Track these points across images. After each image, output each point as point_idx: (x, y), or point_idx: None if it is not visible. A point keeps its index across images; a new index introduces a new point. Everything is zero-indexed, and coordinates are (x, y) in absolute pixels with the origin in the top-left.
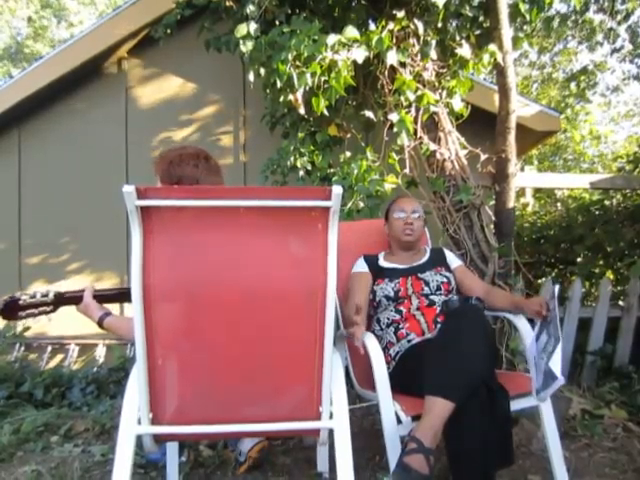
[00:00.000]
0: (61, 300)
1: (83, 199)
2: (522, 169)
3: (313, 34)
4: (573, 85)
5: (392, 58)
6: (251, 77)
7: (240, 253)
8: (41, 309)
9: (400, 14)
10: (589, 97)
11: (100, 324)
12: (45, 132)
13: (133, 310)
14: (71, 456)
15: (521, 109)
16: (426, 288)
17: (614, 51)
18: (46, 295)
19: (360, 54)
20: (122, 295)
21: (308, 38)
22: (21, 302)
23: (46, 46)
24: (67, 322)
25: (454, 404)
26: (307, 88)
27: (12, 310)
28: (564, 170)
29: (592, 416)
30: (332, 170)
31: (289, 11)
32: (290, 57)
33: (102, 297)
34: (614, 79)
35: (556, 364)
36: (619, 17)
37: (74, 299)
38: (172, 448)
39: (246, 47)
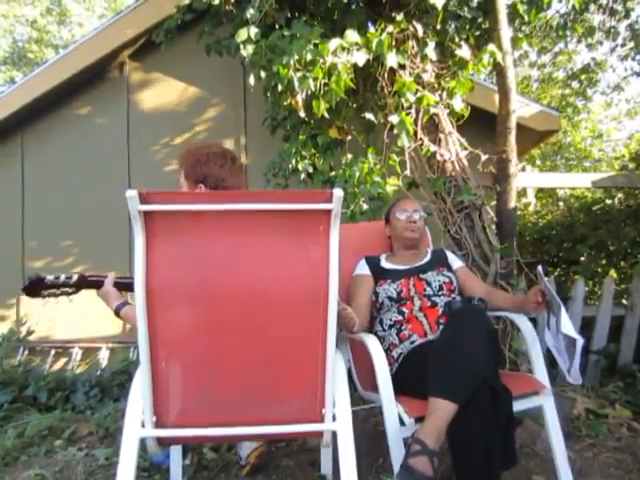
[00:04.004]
0: (84, 283)
1: (86, 202)
2: (524, 169)
3: (314, 38)
4: (575, 84)
5: (392, 60)
6: (251, 81)
7: (242, 256)
8: (63, 289)
9: (399, 17)
10: (590, 95)
11: (117, 313)
12: (48, 136)
13: (137, 314)
14: (75, 460)
15: (521, 109)
16: (428, 289)
17: (614, 49)
18: (70, 277)
19: (361, 57)
20: None
21: (309, 42)
22: (46, 281)
23: (50, 52)
24: (71, 326)
25: (457, 405)
26: (308, 92)
27: (36, 288)
28: (566, 169)
29: (596, 416)
30: (334, 173)
31: (289, 15)
32: (292, 62)
33: (124, 285)
34: (615, 77)
35: (567, 326)
36: (619, 15)
37: (96, 284)
38: (176, 451)
39: (247, 51)
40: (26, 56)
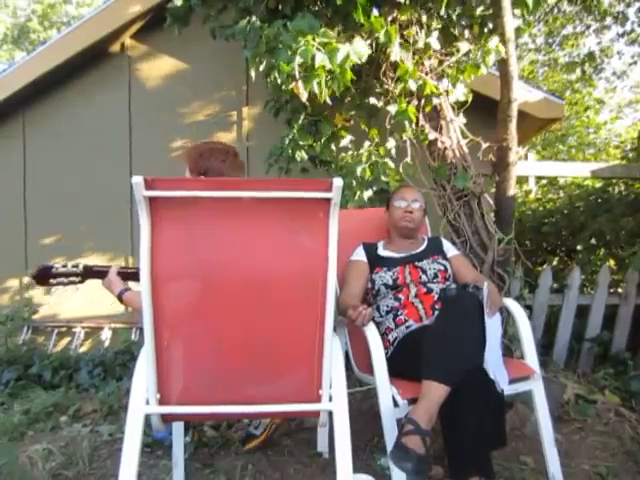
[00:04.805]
0: (89, 273)
1: (87, 182)
2: (526, 157)
3: (319, 37)
4: (579, 71)
5: (397, 54)
6: (252, 73)
7: (243, 241)
8: (70, 279)
9: (404, 1)
10: (595, 82)
11: (120, 298)
12: (49, 116)
13: (142, 296)
14: (80, 435)
15: (524, 96)
16: (423, 276)
17: (622, 35)
18: (76, 266)
19: (365, 51)
20: None
21: (313, 40)
22: (54, 270)
23: (53, 33)
24: (74, 306)
25: (450, 388)
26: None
27: (45, 277)
28: (567, 157)
29: (586, 401)
30: (338, 159)
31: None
32: (295, 64)
33: (126, 274)
34: (620, 64)
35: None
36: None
37: (101, 273)
38: (178, 428)
39: (248, 52)
40: (28, 34)
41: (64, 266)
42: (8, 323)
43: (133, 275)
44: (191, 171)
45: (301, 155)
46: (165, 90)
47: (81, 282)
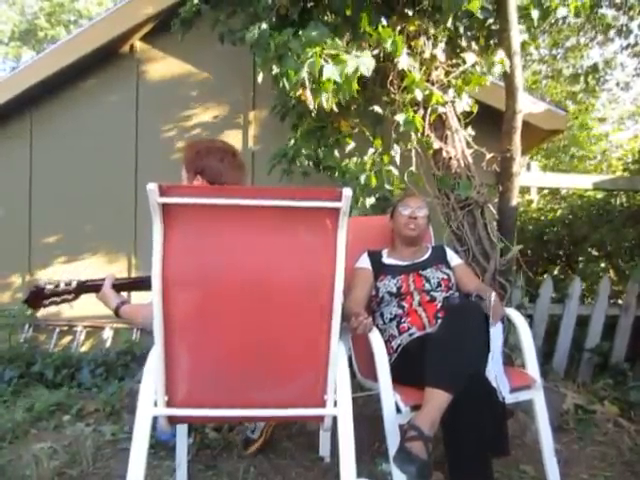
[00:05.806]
0: (83, 288)
1: (93, 183)
2: (528, 167)
3: (329, 48)
4: (582, 83)
5: (404, 63)
6: (259, 78)
7: (253, 248)
8: (63, 297)
9: (411, 12)
10: (598, 93)
11: (116, 312)
12: (56, 116)
13: (153, 300)
14: (83, 435)
15: (528, 107)
16: (427, 284)
17: (627, 47)
18: (69, 284)
19: (372, 64)
20: (139, 283)
21: (322, 51)
22: (46, 291)
23: (61, 30)
24: (76, 305)
25: (452, 395)
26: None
27: (37, 299)
28: (569, 168)
29: (585, 411)
30: (342, 164)
31: (302, 5)
32: (304, 73)
33: (121, 285)
34: (624, 76)
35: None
36: (633, 12)
37: (95, 288)
38: (182, 430)
39: (258, 59)
40: (35, 32)
41: (57, 285)
42: (11, 320)
43: (128, 286)
44: (187, 171)
45: (301, 159)
46: (172, 92)
47: (75, 299)
